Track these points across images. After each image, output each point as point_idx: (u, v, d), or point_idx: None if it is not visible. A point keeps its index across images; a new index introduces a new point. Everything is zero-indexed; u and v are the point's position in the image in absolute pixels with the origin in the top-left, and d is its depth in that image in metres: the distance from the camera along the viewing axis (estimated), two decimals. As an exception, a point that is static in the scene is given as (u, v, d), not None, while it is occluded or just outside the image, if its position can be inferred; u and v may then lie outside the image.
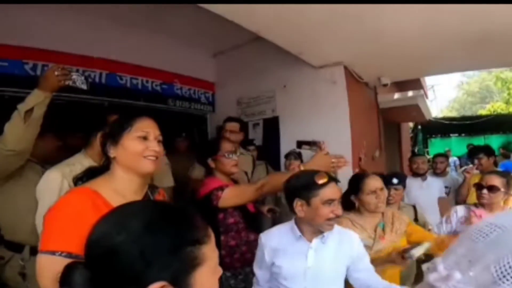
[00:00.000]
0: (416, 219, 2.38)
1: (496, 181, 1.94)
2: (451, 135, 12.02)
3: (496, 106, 13.87)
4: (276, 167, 3.21)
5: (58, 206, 0.97)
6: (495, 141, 10.99)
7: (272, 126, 3.66)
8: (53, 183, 1.45)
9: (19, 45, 2.56)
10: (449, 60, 3.53)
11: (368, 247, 1.57)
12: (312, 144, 2.58)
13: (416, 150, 9.31)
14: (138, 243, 0.56)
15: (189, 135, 3.62)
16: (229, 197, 1.72)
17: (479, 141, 9.95)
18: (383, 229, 1.72)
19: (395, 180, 2.42)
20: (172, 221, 0.61)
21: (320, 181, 1.28)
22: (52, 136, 1.86)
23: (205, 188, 1.81)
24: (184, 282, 0.58)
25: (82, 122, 2.31)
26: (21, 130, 1.45)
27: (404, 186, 2.53)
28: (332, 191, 1.30)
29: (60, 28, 2.75)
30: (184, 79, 3.80)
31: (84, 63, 2.90)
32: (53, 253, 0.88)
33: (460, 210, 2.13)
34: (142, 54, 3.34)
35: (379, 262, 1.49)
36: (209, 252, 0.61)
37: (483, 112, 13.72)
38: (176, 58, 3.65)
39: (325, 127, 3.18)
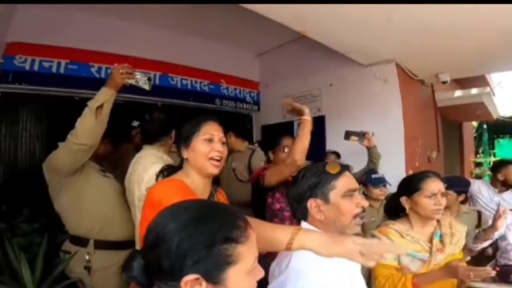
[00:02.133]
0: (478, 225, 2.15)
1: None
2: (523, 135, 10.66)
3: None
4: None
5: (157, 195, 1.09)
6: None
7: (317, 125, 3.58)
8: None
9: (85, 49, 2.83)
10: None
11: (423, 262, 1.38)
12: (361, 135, 2.49)
13: (480, 152, 8.43)
14: (180, 234, 0.59)
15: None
16: (270, 174, 1.85)
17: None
18: (441, 240, 1.45)
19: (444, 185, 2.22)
20: (214, 218, 0.63)
21: (334, 171, 1.07)
22: (108, 138, 1.94)
23: (260, 173, 2.01)
24: (216, 278, 0.59)
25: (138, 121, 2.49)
26: (92, 125, 1.55)
27: (461, 192, 2.30)
28: (349, 181, 1.08)
29: (120, 33, 3.00)
30: (230, 79, 3.90)
31: (140, 65, 3.11)
32: None
33: None
34: (191, 56, 3.50)
35: (431, 278, 1.31)
36: (246, 253, 0.62)
37: None
38: (222, 59, 3.77)
39: (376, 127, 3.02)
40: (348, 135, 2.54)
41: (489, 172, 5.01)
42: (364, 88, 3.28)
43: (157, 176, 1.29)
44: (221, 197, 1.35)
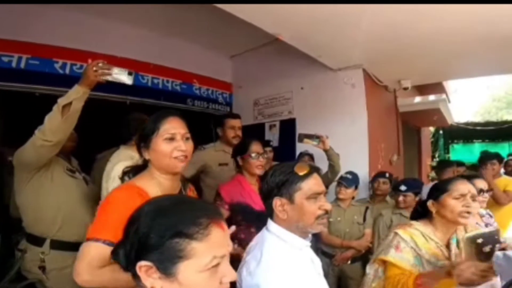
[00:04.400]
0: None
1: None
2: (474, 141, 11.59)
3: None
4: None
5: (110, 200, 1.10)
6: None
7: (288, 128, 3.68)
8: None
9: (48, 44, 2.69)
10: (473, 63, 3.44)
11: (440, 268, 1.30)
12: (315, 137, 2.53)
13: (436, 156, 9.05)
14: (146, 224, 0.63)
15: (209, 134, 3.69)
16: None
17: (503, 148, 9.54)
18: (458, 245, 1.40)
19: (403, 187, 2.38)
20: (174, 212, 0.65)
21: (301, 172, 1.07)
22: (75, 133, 1.91)
23: (226, 185, 1.98)
24: (168, 270, 0.62)
25: (104, 120, 2.43)
26: (58, 122, 1.51)
27: (416, 194, 2.49)
28: (316, 183, 1.08)
29: (87, 29, 2.88)
30: (202, 80, 3.88)
31: (109, 63, 3.00)
32: (97, 240, 1.00)
33: None
34: (163, 55, 3.44)
35: (437, 276, 1.25)
36: (201, 250, 0.62)
37: (509, 117, 13.17)
38: (195, 59, 3.74)
39: (343, 130, 3.17)
40: (301, 138, 2.52)
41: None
42: (333, 92, 3.41)
43: (122, 178, 1.25)
44: (191, 193, 1.35)
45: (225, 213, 1.85)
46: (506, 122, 9.67)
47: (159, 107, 3.42)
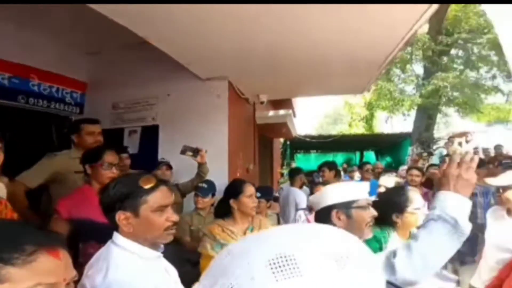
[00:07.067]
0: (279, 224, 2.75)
1: None
2: (311, 151, 14.19)
3: (342, 128, 17.24)
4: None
5: None
6: (340, 158, 13.62)
7: (151, 135, 3.51)
8: None
9: None
10: (316, 84, 4.20)
11: None
12: (196, 151, 2.70)
13: (285, 164, 10.53)
14: None
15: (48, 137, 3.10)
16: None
17: (329, 157, 12.09)
18: (252, 231, 1.90)
19: (257, 194, 2.71)
20: None
21: (147, 185, 1.05)
22: None
23: (67, 198, 1.78)
24: None
25: None
26: None
27: (268, 200, 2.87)
28: (163, 196, 1.07)
29: None
30: (43, 75, 3.23)
31: None
32: None
33: None
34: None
35: None
36: (19, 276, 0.61)
37: (333, 132, 16.79)
38: (37, 51, 3.09)
39: (205, 139, 3.27)
40: (184, 150, 2.72)
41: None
42: (200, 101, 3.47)
43: None
44: (2, 207, 1.23)
45: (64, 229, 1.64)
46: (330, 136, 12.22)
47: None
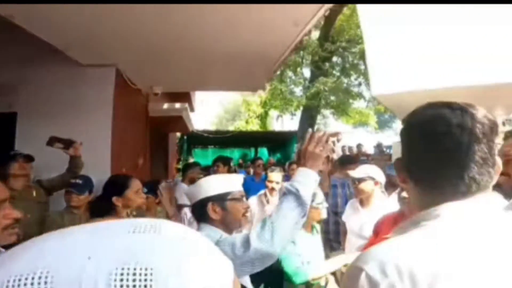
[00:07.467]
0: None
1: None
2: (209, 146, 14.22)
3: (240, 125, 17.82)
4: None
5: None
6: (237, 153, 14.13)
7: (7, 123, 2.91)
8: None
9: None
10: (214, 79, 4.16)
11: None
12: (68, 143, 2.35)
13: (182, 159, 10.25)
14: None
15: None
16: None
17: (226, 153, 12.37)
18: None
19: (144, 190, 2.58)
20: None
21: None
22: None
23: None
24: None
25: None
26: None
27: (157, 195, 2.74)
28: None
29: None
30: None
31: None
32: None
33: None
34: None
35: None
36: None
37: (231, 128, 17.21)
38: None
39: (82, 130, 2.89)
40: (52, 141, 2.34)
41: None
42: (77, 88, 3.07)
43: None
44: None
45: None
46: (227, 132, 12.51)
47: None
